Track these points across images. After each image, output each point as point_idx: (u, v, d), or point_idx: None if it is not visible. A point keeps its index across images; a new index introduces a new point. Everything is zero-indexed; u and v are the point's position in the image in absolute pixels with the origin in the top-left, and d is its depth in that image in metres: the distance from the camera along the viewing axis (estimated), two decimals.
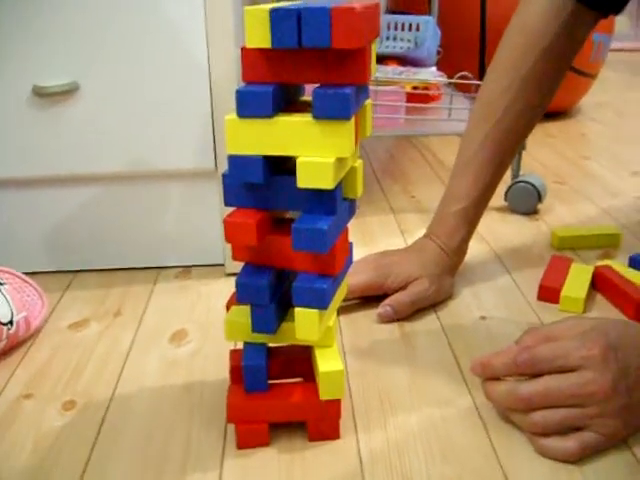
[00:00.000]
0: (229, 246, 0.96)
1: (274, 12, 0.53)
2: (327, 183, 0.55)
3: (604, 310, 0.89)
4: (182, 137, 0.94)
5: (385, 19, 1.56)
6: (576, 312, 0.88)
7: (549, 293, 0.91)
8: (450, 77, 1.34)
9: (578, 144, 1.74)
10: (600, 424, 0.63)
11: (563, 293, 0.89)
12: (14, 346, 0.83)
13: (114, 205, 0.99)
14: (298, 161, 0.56)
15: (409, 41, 1.52)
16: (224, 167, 0.95)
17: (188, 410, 0.72)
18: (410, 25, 1.52)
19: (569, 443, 0.63)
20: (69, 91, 0.90)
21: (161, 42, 0.90)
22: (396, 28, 1.53)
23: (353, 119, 0.56)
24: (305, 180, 0.56)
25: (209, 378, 0.77)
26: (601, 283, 0.93)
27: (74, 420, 0.71)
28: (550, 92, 0.93)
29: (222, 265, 1.01)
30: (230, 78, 0.92)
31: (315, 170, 0.55)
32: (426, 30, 1.50)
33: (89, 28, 0.88)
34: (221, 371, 0.77)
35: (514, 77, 0.90)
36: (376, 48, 1.56)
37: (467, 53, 1.73)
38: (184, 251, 1.02)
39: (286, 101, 0.59)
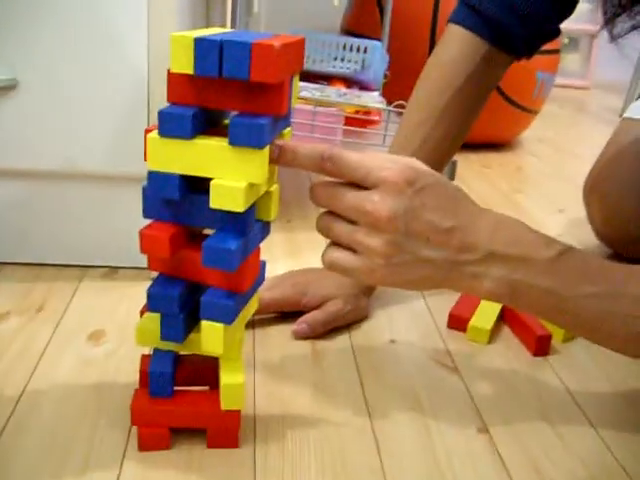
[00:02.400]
0: None
1: (198, 42, 0.56)
2: (237, 206, 0.58)
3: (508, 341, 0.94)
4: (114, 142, 0.96)
5: (336, 39, 1.60)
6: (481, 342, 0.92)
7: (458, 322, 0.95)
8: (390, 103, 1.38)
9: (513, 177, 1.81)
10: (364, 249, 0.62)
11: (471, 323, 0.93)
12: None
13: (43, 202, 1.00)
14: (211, 183, 0.58)
15: (356, 63, 1.56)
16: None
17: (96, 410, 0.74)
18: (358, 47, 1.56)
19: (335, 254, 0.64)
20: (7, 87, 0.92)
21: (101, 45, 0.92)
22: (345, 49, 1.58)
23: (267, 147, 0.59)
24: (217, 201, 0.59)
25: (121, 380, 0.79)
26: (508, 316, 0.98)
27: None
28: (467, 124, 0.98)
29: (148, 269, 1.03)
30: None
31: (227, 193, 0.58)
32: (373, 53, 1.54)
33: (29, 23, 0.90)
34: (133, 374, 0.78)
35: (431, 111, 0.94)
36: (326, 67, 1.58)
37: (414, 81, 1.78)
38: (110, 252, 1.04)
39: (210, 123, 0.62)
